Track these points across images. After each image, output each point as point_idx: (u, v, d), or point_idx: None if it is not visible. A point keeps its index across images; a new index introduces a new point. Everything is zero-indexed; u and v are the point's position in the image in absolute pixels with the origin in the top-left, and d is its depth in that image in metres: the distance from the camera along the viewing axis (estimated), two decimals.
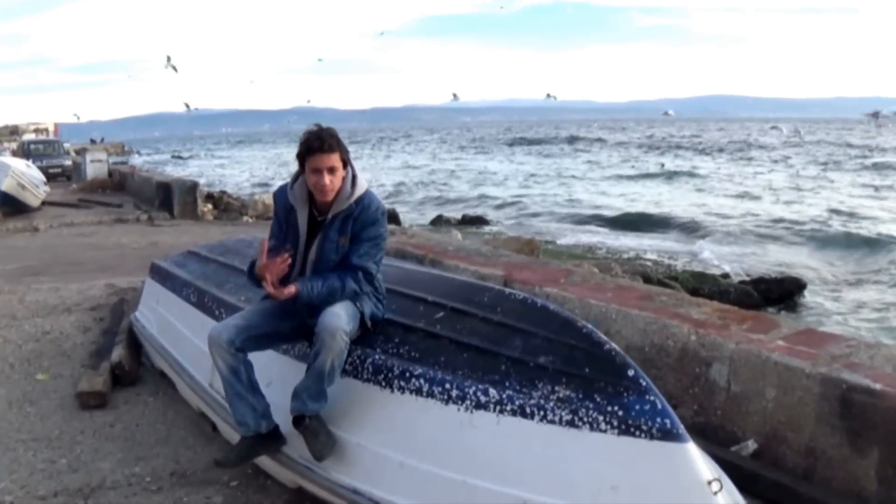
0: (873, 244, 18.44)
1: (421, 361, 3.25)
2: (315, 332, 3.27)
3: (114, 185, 24.37)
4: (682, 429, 2.63)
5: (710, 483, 2.57)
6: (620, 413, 2.68)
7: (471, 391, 2.96)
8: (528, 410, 2.82)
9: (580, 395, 2.79)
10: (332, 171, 3.42)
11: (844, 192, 30.34)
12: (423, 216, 26.47)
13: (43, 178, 20.34)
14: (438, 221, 23.82)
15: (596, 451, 2.69)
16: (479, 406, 2.92)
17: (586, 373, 2.86)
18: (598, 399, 2.75)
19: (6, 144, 40.51)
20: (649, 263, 16.12)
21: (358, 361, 3.38)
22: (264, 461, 3.74)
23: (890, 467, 3.30)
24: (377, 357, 3.35)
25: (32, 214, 17.68)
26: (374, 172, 45.73)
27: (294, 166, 3.61)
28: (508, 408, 2.86)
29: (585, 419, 2.72)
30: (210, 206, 19.60)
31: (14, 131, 55.67)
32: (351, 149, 3.63)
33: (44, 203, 19.33)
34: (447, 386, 3.03)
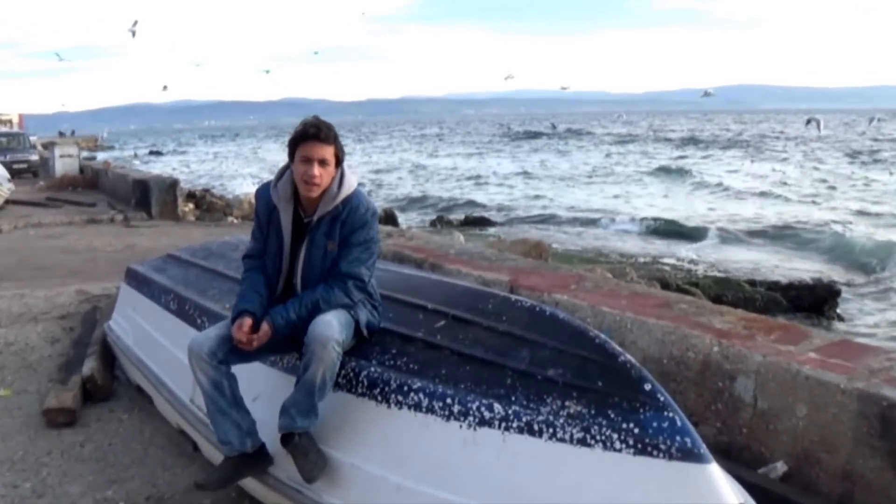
0: None
1: (420, 374, 3.25)
2: (305, 343, 3.27)
3: (85, 182, 24.38)
4: (703, 448, 2.63)
5: None
6: (636, 431, 2.68)
7: (474, 406, 2.97)
8: (536, 427, 2.82)
9: (592, 411, 2.79)
10: (323, 163, 3.43)
11: (883, 191, 30.34)
12: (422, 217, 26.50)
13: (6, 174, 20.34)
14: (439, 223, 23.85)
15: (610, 471, 2.68)
16: (482, 423, 2.92)
17: (599, 387, 2.86)
18: (612, 415, 2.75)
19: None
20: (667, 268, 16.13)
21: (352, 374, 3.38)
22: (250, 483, 3.73)
23: None
24: (373, 369, 3.36)
25: None
26: None
27: (280, 162, 3.62)
28: (515, 424, 2.86)
29: (598, 437, 2.72)
30: (191, 205, 19.60)
31: None
32: None
33: (7, 202, 19.33)
34: (448, 401, 3.03)
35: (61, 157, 26.37)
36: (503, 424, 2.88)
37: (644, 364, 3.22)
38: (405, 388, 3.17)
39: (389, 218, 21.15)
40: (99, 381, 5.54)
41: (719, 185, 32.86)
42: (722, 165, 43.85)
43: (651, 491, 2.62)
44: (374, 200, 3.71)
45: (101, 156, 56.00)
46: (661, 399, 2.75)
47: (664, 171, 39.41)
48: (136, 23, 33.89)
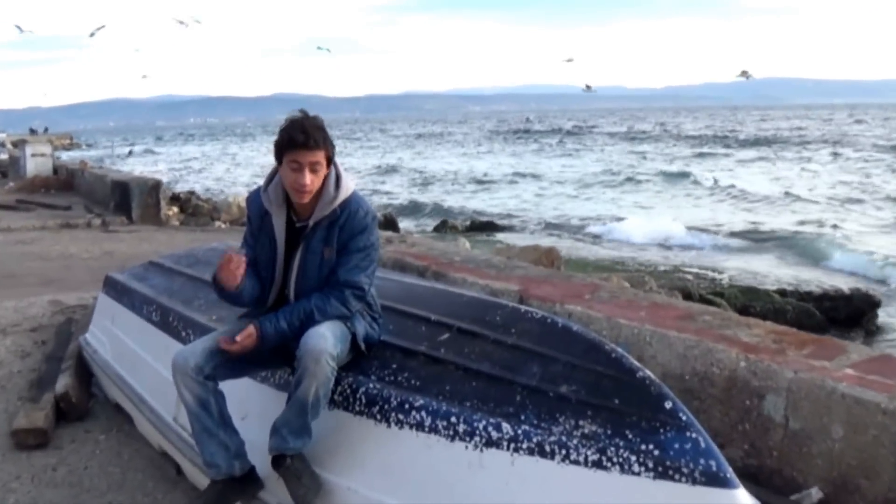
0: None
1: (422, 391, 3.26)
2: (296, 357, 3.28)
3: (60, 183, 24.36)
4: (729, 472, 2.63)
5: None
6: (656, 452, 2.69)
7: (481, 426, 2.97)
8: (547, 449, 2.83)
9: (609, 431, 2.80)
10: (314, 168, 3.44)
11: None
12: (424, 222, 26.53)
13: None
14: (443, 228, 23.87)
15: (627, 496, 2.69)
16: (490, 443, 2.93)
17: (616, 405, 2.86)
18: (630, 436, 2.76)
19: None
20: (689, 277, 16.09)
21: (348, 391, 3.39)
22: None
23: None
24: (371, 385, 3.37)
25: None
26: None
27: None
28: (525, 445, 2.87)
29: (615, 459, 2.72)
30: (176, 209, 19.63)
31: None
32: None
33: None
34: (453, 420, 3.04)
35: (33, 156, 26.32)
36: (512, 445, 2.89)
37: (664, 380, 3.22)
38: (406, 406, 3.18)
39: (390, 223, 21.15)
40: (74, 398, 5.51)
41: (740, 189, 32.79)
42: (743, 167, 43.80)
43: None
44: (371, 204, 3.72)
45: (76, 154, 56.23)
46: (684, 418, 2.75)
47: (681, 174, 39.38)
48: (101, 27, 34.12)
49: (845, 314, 12.81)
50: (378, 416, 3.25)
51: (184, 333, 4.50)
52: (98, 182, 20.65)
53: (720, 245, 21.09)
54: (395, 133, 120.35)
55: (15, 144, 33.32)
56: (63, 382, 5.66)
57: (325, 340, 3.29)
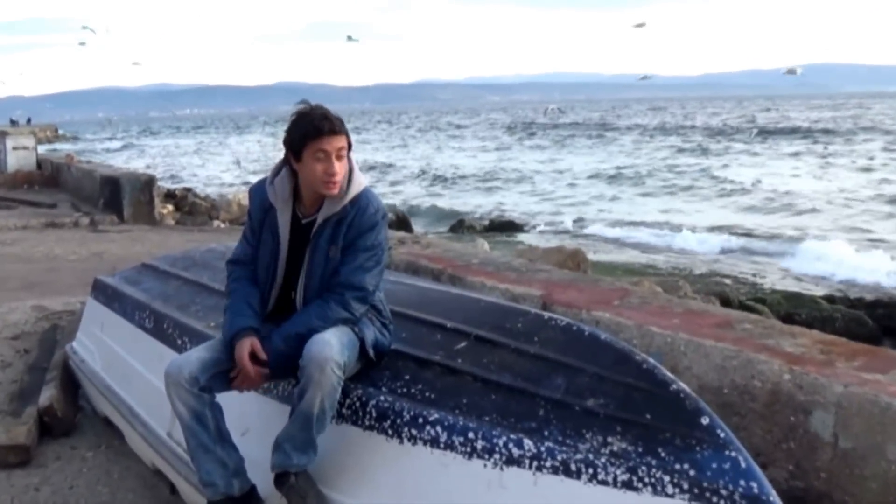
0: None
1: (438, 404, 3.27)
2: (300, 366, 3.29)
3: (44, 179, 24.51)
4: (773, 495, 2.62)
5: None
6: (692, 472, 2.68)
7: (501, 442, 2.97)
8: (573, 467, 2.82)
9: (640, 449, 2.79)
10: (340, 156, 3.46)
11: None
12: (439, 221, 26.55)
13: None
14: (459, 228, 23.89)
15: None
16: (510, 461, 2.93)
17: (648, 420, 2.86)
18: (663, 454, 2.75)
19: None
20: (728, 281, 16.08)
21: (357, 403, 3.40)
22: None
23: None
24: (382, 398, 3.38)
25: None
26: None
27: (275, 158, 3.66)
28: (548, 464, 2.87)
29: (647, 480, 2.72)
30: (171, 206, 19.71)
31: None
32: None
33: None
34: (471, 435, 3.04)
35: (14, 149, 26.37)
36: (535, 463, 2.89)
37: (700, 394, 3.21)
38: (420, 421, 3.19)
39: (402, 222, 21.18)
40: (59, 412, 5.52)
41: (781, 188, 32.66)
42: (784, 162, 43.66)
43: None
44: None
45: (61, 147, 56.49)
46: (722, 435, 2.74)
47: (716, 171, 39.31)
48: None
49: None
50: (389, 431, 3.25)
51: (179, 341, 4.52)
52: (86, 177, 20.73)
53: (759, 248, 21.03)
54: (405, 124, 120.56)
55: None
56: (47, 395, 5.68)
57: (331, 347, 3.29)
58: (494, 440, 2.99)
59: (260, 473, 3.46)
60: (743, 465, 2.66)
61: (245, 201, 18.85)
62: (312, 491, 3.32)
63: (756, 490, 2.61)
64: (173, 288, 5.37)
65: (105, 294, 5.87)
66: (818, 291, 15.15)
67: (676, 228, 24.12)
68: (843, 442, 3.84)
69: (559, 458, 2.85)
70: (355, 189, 3.53)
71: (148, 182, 17.90)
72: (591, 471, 2.79)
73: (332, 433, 3.35)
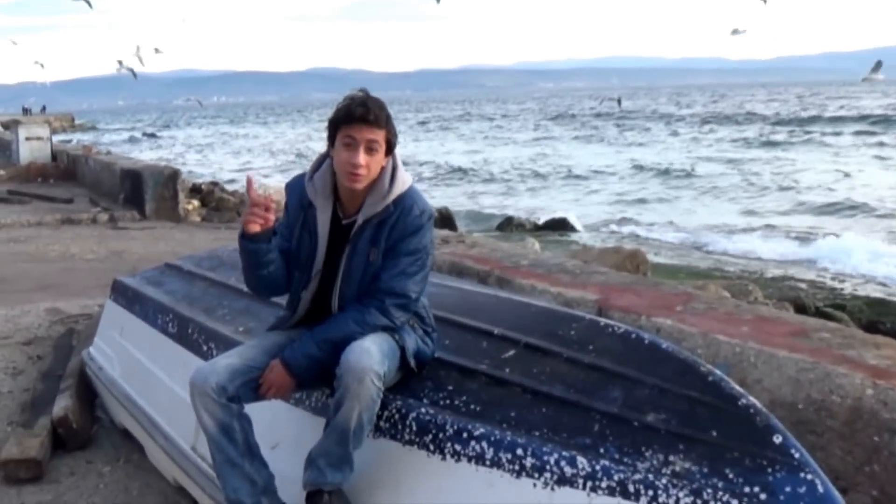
0: None
1: (484, 417, 3.28)
2: (336, 375, 3.31)
3: (60, 172, 24.72)
4: None
5: None
6: (763, 496, 2.67)
7: (552, 460, 2.97)
8: (631, 489, 2.81)
9: (705, 470, 2.78)
10: (370, 149, 3.46)
11: None
12: (485, 219, 26.53)
13: None
14: (508, 226, 23.85)
15: None
16: (562, 481, 2.93)
17: (714, 438, 2.85)
18: (731, 475, 2.74)
19: None
20: (803, 285, 15.89)
21: (397, 416, 3.42)
22: None
23: None
24: (423, 410, 3.39)
25: None
26: None
27: (315, 151, 3.67)
28: (604, 484, 2.86)
29: (712, 503, 2.71)
30: (196, 202, 19.82)
31: None
32: None
33: None
34: (519, 452, 3.05)
35: (27, 139, 26.57)
36: (589, 484, 2.88)
37: (773, 410, 3.19)
38: (464, 435, 3.19)
39: (446, 220, 21.15)
40: (74, 423, 5.56)
41: (862, 187, 32.26)
42: (864, 156, 43.13)
43: None
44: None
45: (78, 138, 57.16)
46: (797, 456, 2.72)
47: (776, 168, 38.92)
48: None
49: None
50: (431, 447, 3.26)
51: (205, 347, 4.56)
52: (105, 170, 20.89)
53: (838, 249, 20.78)
54: (446, 115, 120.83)
55: (6, 126, 33.63)
56: (62, 404, 5.72)
57: (370, 356, 3.30)
58: (545, 457, 2.99)
59: (291, 491, 3.48)
60: (820, 489, 2.64)
61: (275, 197, 18.79)
62: None
63: None
64: (199, 290, 5.42)
65: (125, 296, 5.93)
66: None
67: (745, 228, 23.92)
68: None
69: (616, 478, 2.85)
70: (399, 188, 3.54)
71: (172, 175, 17.94)
72: (650, 493, 2.78)
73: (368, 448, 3.37)
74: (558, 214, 26.27)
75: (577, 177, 39.45)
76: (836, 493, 2.66)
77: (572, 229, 24.16)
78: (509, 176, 40.57)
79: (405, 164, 3.67)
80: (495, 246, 8.23)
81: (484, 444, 3.13)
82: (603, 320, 3.76)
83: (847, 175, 34.54)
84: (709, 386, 3.00)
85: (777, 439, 2.76)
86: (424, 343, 3.65)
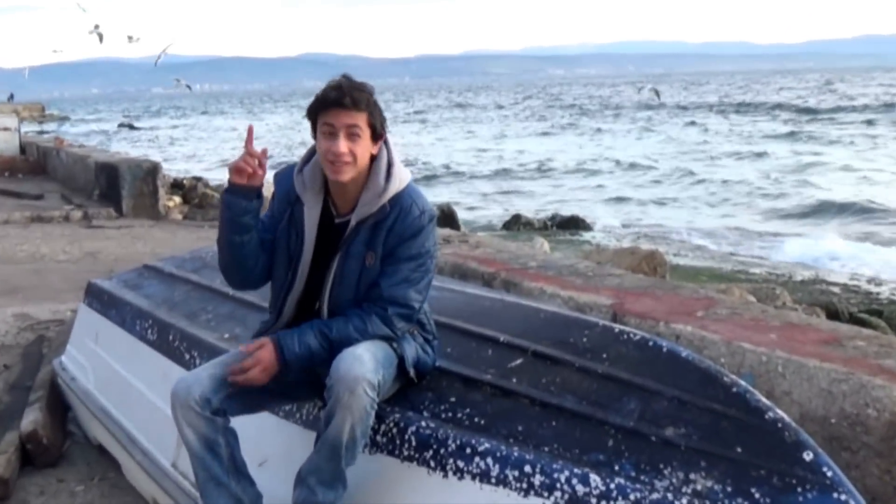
0: None
1: (489, 431, 3.28)
2: (327, 385, 3.30)
3: (29, 166, 24.72)
4: None
5: None
6: None
7: (563, 478, 2.98)
8: None
9: (728, 489, 2.78)
10: (352, 135, 3.45)
11: None
12: (490, 216, 26.54)
13: None
14: (515, 224, 23.84)
15: None
16: (574, 500, 2.93)
17: (738, 454, 2.85)
18: (757, 495, 2.74)
19: None
20: (836, 289, 15.88)
21: (394, 430, 3.42)
22: None
23: None
24: (423, 424, 3.39)
25: None
26: None
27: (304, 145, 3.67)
28: None
29: None
30: (178, 199, 19.84)
31: None
32: None
33: None
34: (527, 469, 3.05)
35: None
36: (603, 503, 2.89)
37: (802, 424, 3.19)
38: (468, 451, 3.20)
39: (448, 218, 21.15)
40: (44, 438, 5.55)
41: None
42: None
43: None
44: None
45: (50, 129, 57.13)
46: (829, 475, 2.73)
47: (804, 161, 38.93)
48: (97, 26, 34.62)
49: None
50: (432, 463, 3.27)
51: (187, 356, 4.56)
52: (78, 164, 20.88)
53: (873, 251, 20.78)
54: (439, 103, 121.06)
55: None
56: (31, 418, 5.70)
57: (362, 364, 3.29)
58: (555, 475, 2.99)
59: None
60: None
61: (266, 192, 18.85)
62: None
63: None
64: (181, 293, 5.42)
65: (100, 300, 5.93)
66: None
67: (771, 227, 23.92)
68: None
69: (632, 497, 2.85)
70: (396, 186, 3.52)
71: (151, 169, 17.88)
72: None
73: (364, 464, 3.38)
74: (579, 210, 26.32)
75: (593, 172, 39.50)
76: None
77: (585, 228, 24.16)
78: (519, 170, 40.63)
79: (408, 163, 3.65)
80: (501, 246, 8.23)
81: (489, 460, 3.14)
82: (618, 327, 3.76)
83: (882, 172, 34.54)
84: (733, 398, 3.01)
85: (807, 456, 2.77)
86: (425, 351, 3.65)
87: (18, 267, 12.26)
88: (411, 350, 3.58)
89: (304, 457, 3.38)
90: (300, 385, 3.61)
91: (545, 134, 62.45)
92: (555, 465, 3.02)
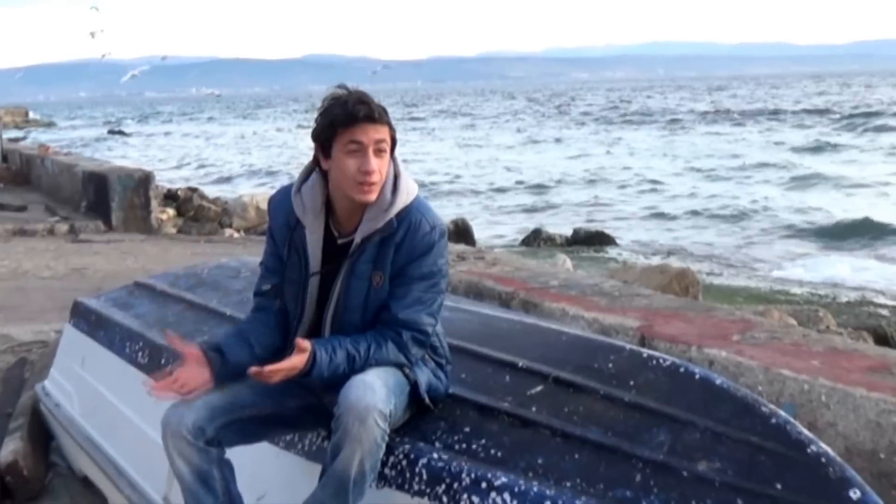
0: None
1: (506, 464, 3.27)
2: (335, 414, 3.29)
3: (11, 175, 24.78)
4: None
5: None
6: None
7: None
8: None
9: None
10: (379, 151, 3.44)
11: None
12: (508, 231, 26.53)
13: None
14: (535, 240, 23.83)
15: None
16: None
17: (777, 491, 2.84)
18: None
19: None
20: (884, 311, 15.82)
21: (404, 462, 3.42)
22: None
23: None
24: (435, 455, 3.39)
25: None
26: None
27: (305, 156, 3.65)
28: None
29: None
30: (172, 211, 19.91)
31: None
32: None
33: None
34: None
35: None
36: None
37: (848, 459, 3.18)
38: (483, 486, 3.19)
39: (462, 233, 21.17)
40: (25, 470, 5.56)
41: None
42: None
43: None
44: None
45: (34, 136, 57.37)
46: None
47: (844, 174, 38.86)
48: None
49: None
50: (444, 498, 3.26)
51: None
52: (65, 174, 20.91)
53: None
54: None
55: None
56: (11, 448, 5.72)
57: (374, 393, 3.27)
58: None
59: None
60: None
61: (264, 205, 18.89)
62: None
63: None
64: (174, 313, 5.43)
65: (87, 320, 5.94)
66: None
67: (813, 245, 23.87)
68: None
69: None
70: (403, 199, 3.51)
71: (143, 180, 17.88)
72: None
73: (370, 499, 3.36)
74: (604, 224, 26.30)
75: (619, 185, 39.49)
76: None
77: (611, 244, 24.12)
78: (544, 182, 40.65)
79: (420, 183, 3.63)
80: (520, 263, 8.23)
81: (506, 495, 3.13)
82: (646, 351, 3.75)
83: None
84: (772, 430, 3.00)
85: (854, 494, 2.75)
86: (437, 377, 3.64)
87: None
88: (424, 375, 3.57)
89: (306, 491, 3.37)
90: (302, 412, 3.59)
91: (559, 141, 62.53)
92: (578, 502, 3.01)
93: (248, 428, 3.54)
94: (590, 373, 3.56)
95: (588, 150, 54.48)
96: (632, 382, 3.43)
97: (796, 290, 18.07)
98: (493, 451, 3.36)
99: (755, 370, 4.74)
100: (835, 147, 49.87)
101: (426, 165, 47.91)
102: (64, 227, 17.05)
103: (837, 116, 71.05)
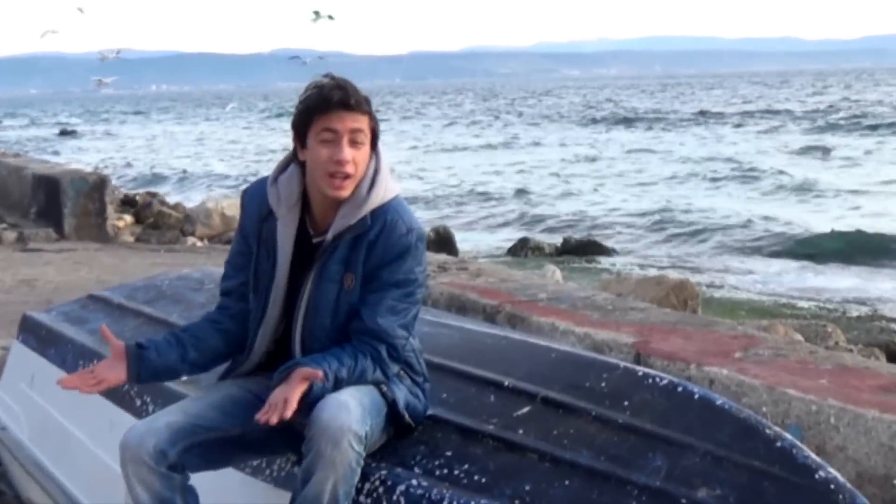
0: None
1: (491, 492, 3.28)
2: (306, 436, 3.29)
3: None
4: None
5: None
6: None
7: None
8: None
9: None
10: (355, 142, 3.45)
11: None
12: (493, 239, 26.54)
13: None
14: (522, 249, 23.83)
15: None
16: None
17: None
18: None
19: None
20: None
21: (381, 489, 3.42)
22: None
23: None
24: (414, 481, 3.39)
25: None
26: None
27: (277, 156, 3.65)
28: None
29: None
30: (129, 217, 19.84)
31: None
32: None
33: None
34: None
35: None
36: None
37: (859, 485, 3.19)
38: None
39: (443, 241, 21.15)
40: None
41: None
42: None
43: None
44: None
45: None
46: None
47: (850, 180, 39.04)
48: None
49: None
50: None
51: (139, 402, 4.56)
52: (12, 176, 20.83)
53: None
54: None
55: None
56: None
57: (349, 413, 3.27)
58: None
59: None
60: None
61: (230, 211, 18.93)
62: None
63: None
64: (132, 328, 5.41)
65: (37, 336, 5.92)
66: None
67: (819, 256, 23.93)
68: None
69: None
70: (379, 196, 3.51)
71: (98, 183, 17.78)
72: None
73: None
74: (597, 232, 26.30)
75: (613, 190, 39.55)
76: None
77: (604, 253, 24.12)
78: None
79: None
80: (506, 275, 8.23)
81: None
82: (642, 369, 3.77)
83: None
84: (776, 453, 3.01)
85: None
86: (415, 395, 3.64)
87: None
88: (402, 394, 3.56)
89: None
90: (270, 434, 3.56)
91: (563, 145, 62.63)
92: None
93: (213, 451, 3.53)
94: (581, 392, 3.57)
95: (580, 152, 54.62)
96: (626, 403, 3.45)
97: (803, 303, 18.09)
98: (476, 478, 3.36)
99: (759, 390, 4.76)
100: (842, 154, 50.10)
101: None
102: (12, 235, 16.97)
103: (842, 118, 71.24)
